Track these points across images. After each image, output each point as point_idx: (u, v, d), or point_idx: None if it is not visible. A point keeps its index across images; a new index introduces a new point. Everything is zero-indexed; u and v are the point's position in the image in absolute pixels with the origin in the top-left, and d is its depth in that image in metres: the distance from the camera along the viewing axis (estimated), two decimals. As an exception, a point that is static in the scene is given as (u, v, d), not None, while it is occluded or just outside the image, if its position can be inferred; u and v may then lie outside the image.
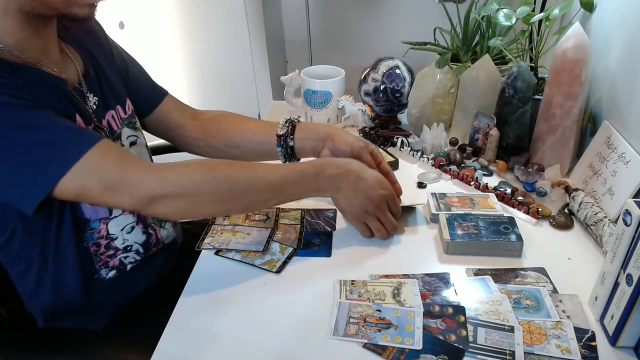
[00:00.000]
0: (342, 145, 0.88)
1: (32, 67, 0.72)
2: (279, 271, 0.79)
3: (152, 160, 0.98)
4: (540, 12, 1.18)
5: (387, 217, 0.83)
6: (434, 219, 0.89)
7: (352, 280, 0.76)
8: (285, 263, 0.81)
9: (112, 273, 0.86)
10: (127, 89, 0.92)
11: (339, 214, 0.93)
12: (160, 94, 0.98)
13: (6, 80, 0.65)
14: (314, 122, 0.94)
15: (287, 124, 0.92)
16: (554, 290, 0.74)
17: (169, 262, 0.96)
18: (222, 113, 1.01)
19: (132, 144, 0.90)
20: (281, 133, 0.91)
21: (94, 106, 0.80)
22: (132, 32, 1.88)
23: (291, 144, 0.91)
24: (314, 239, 0.86)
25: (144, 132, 0.97)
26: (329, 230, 0.89)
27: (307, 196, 0.81)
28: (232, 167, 0.75)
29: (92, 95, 0.81)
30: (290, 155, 0.93)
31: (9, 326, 0.88)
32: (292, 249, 0.84)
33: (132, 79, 0.94)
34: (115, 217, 0.84)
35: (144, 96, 0.96)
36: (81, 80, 0.80)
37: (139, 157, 0.88)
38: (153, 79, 0.99)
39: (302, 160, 0.94)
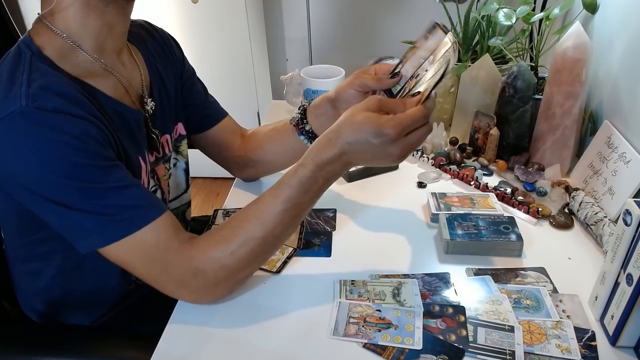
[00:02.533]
0: (346, 95, 0.81)
1: (113, 100, 0.73)
2: (279, 271, 0.79)
3: (188, 183, 0.99)
4: (541, 11, 1.18)
5: (411, 144, 0.67)
6: (434, 218, 0.89)
7: (352, 280, 0.76)
8: (285, 263, 0.81)
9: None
10: (185, 107, 0.93)
11: (339, 214, 0.93)
12: (220, 114, 0.99)
13: (95, 130, 0.65)
14: (320, 96, 0.88)
15: (299, 110, 0.90)
16: (554, 290, 0.74)
17: None
18: (258, 128, 1.01)
19: (173, 165, 0.93)
20: (294, 122, 0.89)
21: (151, 110, 0.82)
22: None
23: (307, 127, 0.88)
24: (314, 239, 0.86)
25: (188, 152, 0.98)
26: (329, 230, 0.89)
27: (326, 188, 0.72)
28: (240, 228, 0.69)
29: (150, 100, 0.82)
30: (314, 138, 0.87)
31: (4, 323, 0.89)
32: (292, 249, 0.84)
33: (194, 95, 0.96)
34: None
35: (203, 114, 0.97)
36: (143, 87, 0.82)
37: (176, 181, 0.93)
38: (217, 100, 1.01)
39: None
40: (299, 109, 0.90)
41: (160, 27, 0.93)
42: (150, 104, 0.82)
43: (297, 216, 0.71)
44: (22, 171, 0.63)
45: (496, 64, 1.08)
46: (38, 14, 0.71)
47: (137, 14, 0.79)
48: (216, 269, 0.68)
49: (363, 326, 0.68)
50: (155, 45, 0.89)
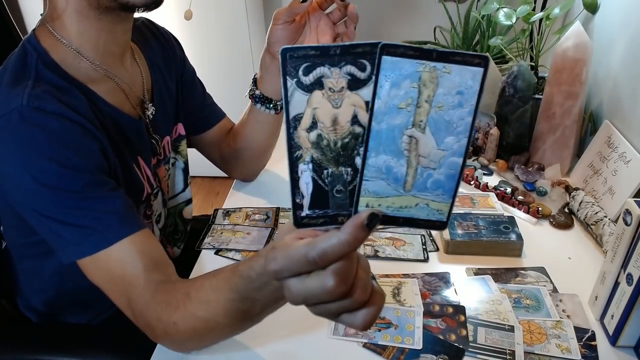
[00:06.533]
0: (276, 36, 0.83)
1: (112, 107, 0.73)
2: (279, 271, 0.79)
3: (187, 182, 0.98)
4: (541, 11, 1.18)
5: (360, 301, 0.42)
6: (434, 218, 0.89)
7: (352, 280, 0.76)
8: (285, 262, 0.80)
9: None
10: (185, 108, 0.94)
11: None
12: (217, 116, 0.99)
13: (90, 138, 0.64)
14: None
15: (252, 81, 0.90)
16: (554, 290, 0.74)
17: None
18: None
19: (172, 165, 0.93)
20: (249, 93, 0.89)
21: (151, 116, 0.82)
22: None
23: (257, 92, 0.88)
24: (314, 239, 0.86)
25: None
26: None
27: (279, 303, 0.56)
28: (190, 299, 0.60)
29: (150, 105, 0.82)
30: (269, 101, 0.88)
31: (3, 322, 0.89)
32: (292, 248, 0.84)
33: (194, 95, 0.96)
34: None
35: (201, 115, 0.97)
36: (144, 91, 0.82)
37: (174, 180, 0.93)
38: (215, 102, 1.01)
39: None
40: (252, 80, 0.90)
41: (162, 25, 0.93)
42: (150, 109, 0.82)
43: (246, 312, 0.55)
44: (7, 170, 0.62)
45: (496, 63, 1.08)
46: (41, 15, 0.71)
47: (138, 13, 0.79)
48: (160, 328, 0.62)
49: (363, 326, 0.68)
50: (157, 44, 0.89)
